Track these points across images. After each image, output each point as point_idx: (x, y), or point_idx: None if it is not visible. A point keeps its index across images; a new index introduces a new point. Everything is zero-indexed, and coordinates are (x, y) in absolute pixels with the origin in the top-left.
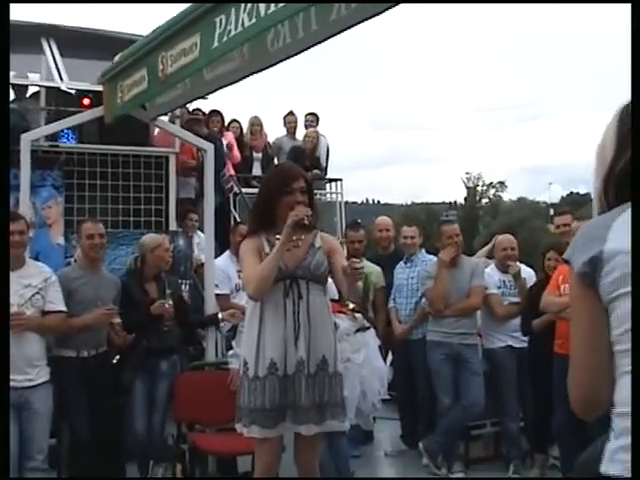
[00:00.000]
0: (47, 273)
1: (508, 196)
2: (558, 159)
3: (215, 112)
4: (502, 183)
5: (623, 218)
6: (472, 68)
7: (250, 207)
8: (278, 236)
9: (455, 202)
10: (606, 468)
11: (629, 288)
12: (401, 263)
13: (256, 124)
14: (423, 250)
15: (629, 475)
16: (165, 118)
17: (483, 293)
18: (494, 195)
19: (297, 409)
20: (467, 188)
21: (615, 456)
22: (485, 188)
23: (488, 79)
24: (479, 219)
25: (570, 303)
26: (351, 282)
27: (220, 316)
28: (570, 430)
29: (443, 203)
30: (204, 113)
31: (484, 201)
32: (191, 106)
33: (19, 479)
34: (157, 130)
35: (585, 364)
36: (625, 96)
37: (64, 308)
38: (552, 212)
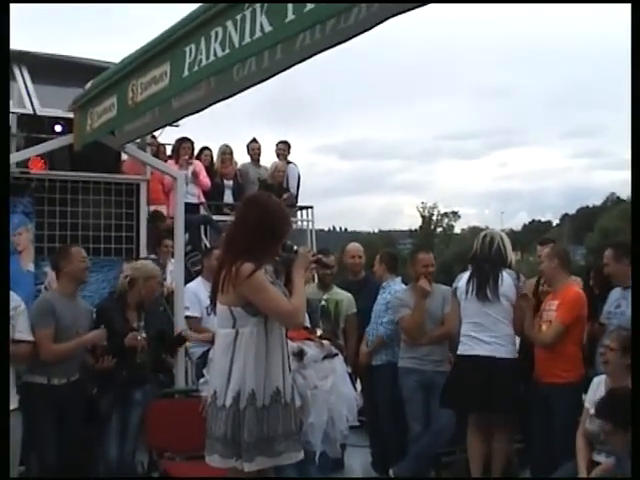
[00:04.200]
0: (16, 302)
1: (464, 224)
2: (526, 186)
3: (185, 139)
4: (455, 213)
5: (463, 277)
6: (441, 96)
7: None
8: None
9: (417, 230)
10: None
11: (465, 296)
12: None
13: (226, 152)
14: (398, 279)
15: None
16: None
17: (457, 319)
18: (447, 224)
19: (293, 436)
20: (422, 217)
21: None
22: (440, 217)
23: (457, 107)
24: (433, 247)
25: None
26: None
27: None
28: (542, 456)
29: (410, 231)
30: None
31: (439, 230)
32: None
33: (19, 479)
34: (126, 157)
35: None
36: (593, 123)
37: (32, 338)
38: None
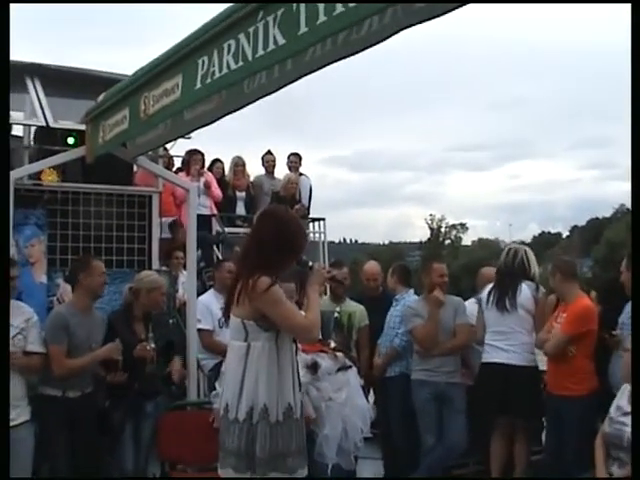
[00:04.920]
0: (28, 313)
1: (474, 236)
2: (537, 198)
3: (195, 151)
4: (463, 225)
5: (485, 290)
6: (451, 107)
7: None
8: None
9: (425, 242)
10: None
11: (487, 306)
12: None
13: (239, 164)
14: (411, 291)
15: None
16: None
17: (469, 331)
18: (455, 236)
19: (303, 452)
20: (430, 229)
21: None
22: (448, 229)
23: (467, 119)
24: (441, 259)
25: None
26: None
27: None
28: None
29: (420, 243)
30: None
31: (447, 242)
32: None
33: (19, 479)
34: (136, 169)
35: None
36: (603, 134)
37: (43, 350)
38: None
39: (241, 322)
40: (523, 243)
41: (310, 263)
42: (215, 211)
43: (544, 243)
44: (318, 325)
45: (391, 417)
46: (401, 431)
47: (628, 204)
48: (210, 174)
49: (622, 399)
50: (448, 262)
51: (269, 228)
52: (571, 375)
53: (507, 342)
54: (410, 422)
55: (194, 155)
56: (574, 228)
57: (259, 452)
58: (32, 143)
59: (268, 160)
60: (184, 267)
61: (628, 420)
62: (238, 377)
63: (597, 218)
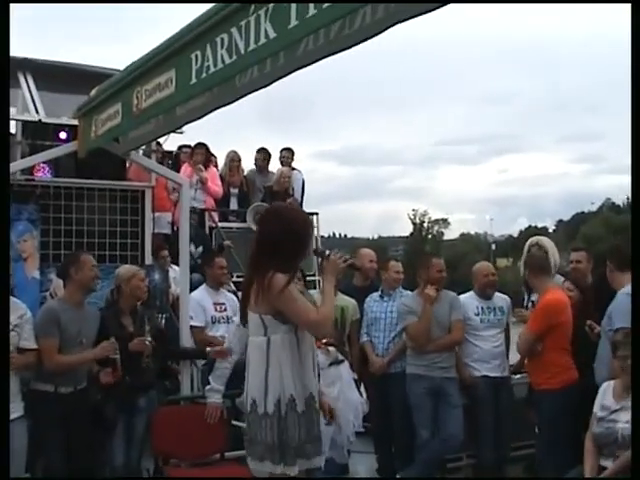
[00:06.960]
0: (21, 310)
1: (462, 230)
2: (526, 192)
3: (200, 145)
4: (445, 220)
5: (556, 278)
6: (440, 101)
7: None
8: None
9: (408, 237)
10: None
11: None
12: (375, 296)
13: (235, 160)
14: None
15: None
16: (139, 152)
17: (464, 327)
18: (437, 231)
19: (320, 440)
20: (413, 224)
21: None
22: (430, 224)
23: (456, 113)
24: (427, 254)
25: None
26: None
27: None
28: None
29: (409, 237)
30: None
31: (430, 237)
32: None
33: (19, 479)
34: (129, 164)
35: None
36: (592, 128)
37: (36, 346)
38: (494, 247)
39: (259, 317)
40: (511, 237)
41: (327, 252)
42: (212, 206)
43: (530, 237)
44: (331, 319)
45: (394, 413)
46: (404, 427)
47: (614, 198)
48: (213, 169)
49: (606, 397)
50: None
51: (278, 228)
52: (543, 370)
53: None
54: (410, 416)
55: (197, 149)
56: (559, 222)
57: (291, 442)
58: (24, 138)
59: (259, 158)
60: (174, 263)
61: (618, 416)
62: (262, 372)
63: (582, 212)
